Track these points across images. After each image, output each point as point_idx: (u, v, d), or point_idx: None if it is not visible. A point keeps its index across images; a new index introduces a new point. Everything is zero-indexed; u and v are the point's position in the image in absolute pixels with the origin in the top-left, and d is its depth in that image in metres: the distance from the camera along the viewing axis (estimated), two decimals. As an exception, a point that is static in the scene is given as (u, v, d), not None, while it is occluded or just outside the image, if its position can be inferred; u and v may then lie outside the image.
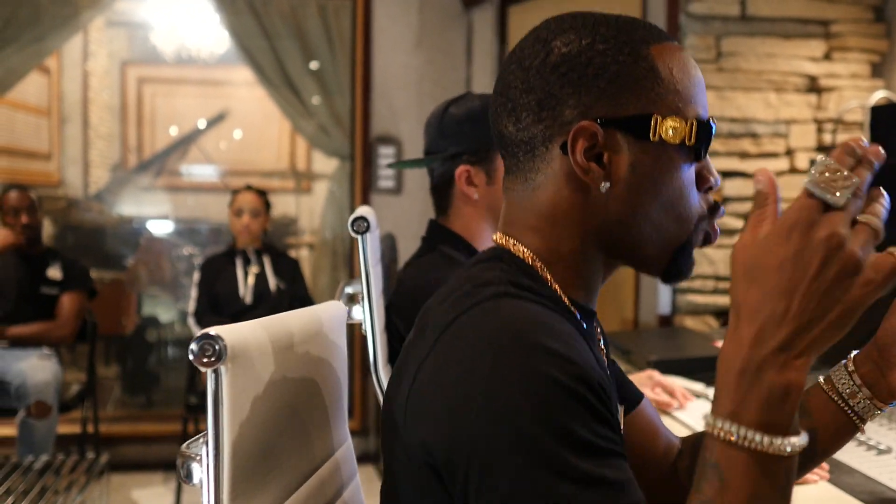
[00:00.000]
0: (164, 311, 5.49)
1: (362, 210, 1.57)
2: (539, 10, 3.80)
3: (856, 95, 3.06)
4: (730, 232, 3.06)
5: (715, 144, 2.99)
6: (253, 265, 3.78)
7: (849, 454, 1.39)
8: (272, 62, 4.40)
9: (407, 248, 2.06)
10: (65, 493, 2.71)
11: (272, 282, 3.78)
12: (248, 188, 3.85)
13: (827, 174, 0.61)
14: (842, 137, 3.06)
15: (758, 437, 0.60)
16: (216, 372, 0.76)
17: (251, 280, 3.76)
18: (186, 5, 5.28)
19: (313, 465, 0.96)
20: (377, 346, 1.58)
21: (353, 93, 4.38)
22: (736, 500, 0.61)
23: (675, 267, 0.83)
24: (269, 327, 0.87)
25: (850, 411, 0.91)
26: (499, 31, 4.06)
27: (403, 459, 0.75)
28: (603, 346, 0.93)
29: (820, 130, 3.11)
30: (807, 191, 0.61)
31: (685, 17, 3.05)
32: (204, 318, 3.64)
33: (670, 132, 0.78)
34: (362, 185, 4.36)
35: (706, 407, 0.86)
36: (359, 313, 1.57)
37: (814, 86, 3.10)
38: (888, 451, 1.39)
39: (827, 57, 3.10)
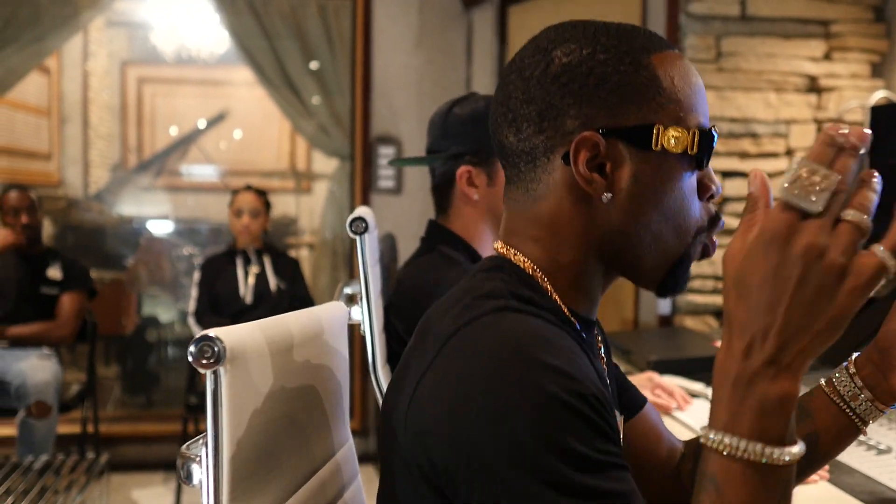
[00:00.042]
0: (164, 311, 5.49)
1: (360, 211, 1.57)
2: (539, 11, 3.80)
3: (856, 95, 3.05)
4: (730, 232, 3.06)
5: (714, 150, 2.98)
6: (253, 265, 3.78)
7: (849, 454, 1.39)
8: (272, 62, 4.40)
9: (407, 248, 2.06)
10: (65, 493, 2.71)
11: (272, 282, 3.78)
12: (248, 188, 3.85)
13: (802, 178, 0.59)
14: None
15: (753, 448, 0.60)
16: (215, 373, 0.76)
17: (251, 280, 3.76)
18: (186, 5, 5.28)
19: (313, 465, 0.96)
20: (376, 347, 1.58)
21: (353, 93, 4.38)
22: None
23: (671, 280, 0.83)
24: (268, 329, 0.87)
25: (851, 413, 0.91)
26: (499, 31, 4.06)
27: (401, 468, 0.75)
28: (603, 355, 0.93)
29: (820, 130, 3.10)
30: (783, 200, 0.59)
31: (685, 17, 3.05)
32: (204, 318, 3.64)
33: (672, 142, 0.77)
34: (362, 185, 4.36)
35: (706, 407, 0.86)
36: (357, 314, 1.57)
37: (814, 86, 3.10)
38: (888, 450, 1.39)
39: (827, 57, 3.10)
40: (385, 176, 4.34)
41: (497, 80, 3.99)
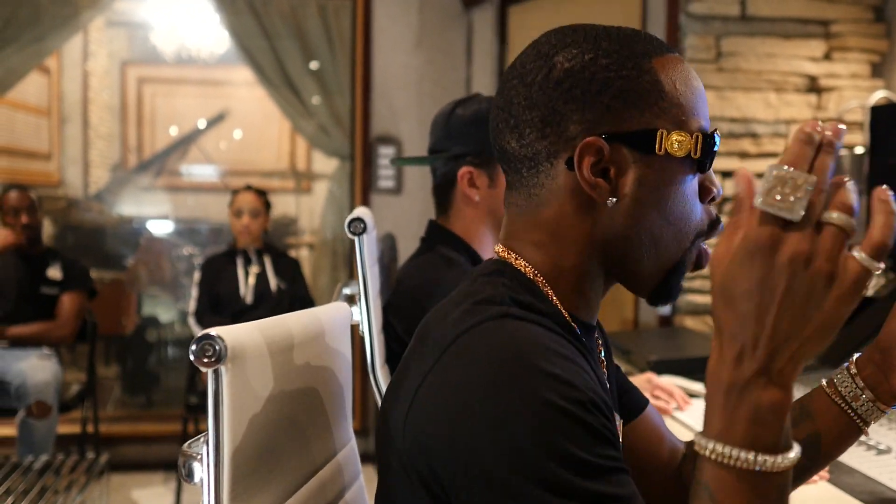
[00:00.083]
0: (164, 311, 5.49)
1: (359, 211, 1.57)
2: (539, 11, 3.80)
3: (856, 95, 3.06)
4: (730, 232, 3.06)
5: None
6: (254, 265, 3.79)
7: (848, 454, 1.39)
8: (272, 62, 4.40)
9: (407, 248, 2.06)
10: (65, 493, 2.71)
11: (273, 282, 3.78)
12: (248, 188, 3.85)
13: (779, 187, 0.58)
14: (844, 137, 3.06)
15: (746, 457, 0.59)
16: (216, 372, 0.76)
17: (252, 280, 3.76)
18: (186, 5, 5.28)
19: (315, 465, 0.96)
20: (374, 347, 1.58)
21: (353, 93, 4.38)
22: None
23: (665, 288, 0.83)
24: (269, 328, 0.87)
25: (853, 414, 0.91)
26: (499, 31, 4.06)
27: (399, 472, 0.75)
28: (604, 358, 0.93)
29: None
30: (761, 211, 0.58)
31: (685, 17, 3.05)
32: (204, 318, 3.64)
33: (676, 146, 0.78)
34: (362, 185, 4.36)
35: (706, 407, 0.86)
36: (356, 314, 1.57)
37: (814, 86, 3.10)
38: (888, 450, 1.39)
39: (827, 57, 3.10)
40: (385, 176, 4.34)
41: (497, 80, 3.99)
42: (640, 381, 1.82)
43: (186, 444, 0.78)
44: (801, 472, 0.96)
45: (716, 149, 0.81)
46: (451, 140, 1.67)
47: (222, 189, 5.61)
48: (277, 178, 6.04)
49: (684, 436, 1.10)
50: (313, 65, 4.45)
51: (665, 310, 3.10)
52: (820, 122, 0.60)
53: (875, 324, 0.94)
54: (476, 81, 4.26)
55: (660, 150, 0.78)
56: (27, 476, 2.74)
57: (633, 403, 1.03)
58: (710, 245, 0.83)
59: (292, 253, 4.90)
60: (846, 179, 0.59)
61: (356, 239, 1.55)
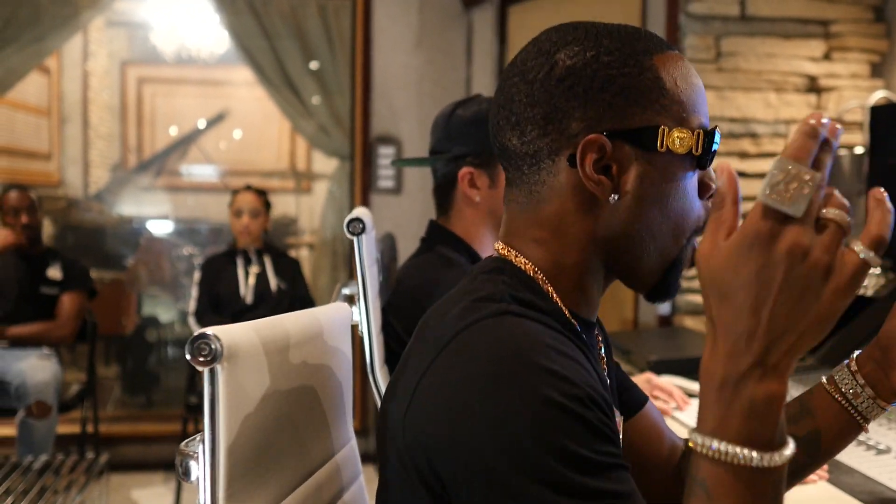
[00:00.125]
0: (164, 311, 5.49)
1: (358, 211, 1.57)
2: (539, 11, 3.80)
3: (855, 95, 3.05)
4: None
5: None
6: (254, 265, 3.79)
7: (848, 454, 1.39)
8: (272, 62, 4.40)
9: (407, 249, 2.06)
10: (64, 493, 2.71)
11: (273, 282, 3.78)
12: (248, 188, 3.85)
13: (783, 184, 0.58)
14: (841, 138, 3.06)
15: (741, 453, 0.59)
16: (212, 371, 0.76)
17: (252, 280, 3.76)
18: (186, 5, 5.28)
19: (312, 465, 0.96)
20: (374, 348, 1.58)
21: (352, 93, 4.38)
22: None
23: (663, 284, 0.84)
24: (266, 328, 0.87)
25: (853, 411, 0.91)
26: (499, 31, 4.06)
27: (399, 471, 0.75)
28: (604, 355, 0.93)
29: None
30: (762, 204, 0.58)
31: (685, 17, 3.05)
32: (205, 318, 3.65)
33: (677, 143, 0.78)
34: (362, 185, 4.36)
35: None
36: (355, 314, 1.57)
37: (813, 86, 3.10)
38: (887, 450, 1.39)
39: (827, 57, 3.10)
40: (385, 176, 4.34)
41: (497, 80, 3.99)
42: (640, 381, 1.82)
43: (183, 444, 0.78)
44: (801, 469, 0.96)
45: (716, 146, 0.81)
46: (451, 141, 1.67)
47: (222, 189, 5.61)
48: (277, 178, 6.04)
49: (684, 435, 1.10)
50: (313, 65, 4.45)
51: (665, 310, 3.10)
52: (823, 115, 0.60)
53: (875, 324, 0.94)
54: (476, 81, 4.26)
55: (661, 147, 0.78)
56: (27, 476, 2.74)
57: (633, 400, 1.03)
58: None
59: (292, 253, 4.90)
60: (835, 191, 0.60)
61: (355, 239, 1.55)
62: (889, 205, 0.59)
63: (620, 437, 0.89)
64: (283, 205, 5.77)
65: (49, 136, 5.80)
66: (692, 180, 0.81)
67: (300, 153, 6.16)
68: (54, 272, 3.59)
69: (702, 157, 0.80)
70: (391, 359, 1.66)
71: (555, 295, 0.81)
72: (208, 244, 5.50)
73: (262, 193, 3.84)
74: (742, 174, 3.07)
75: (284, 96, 4.46)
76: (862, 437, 1.46)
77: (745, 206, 3.07)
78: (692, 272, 3.12)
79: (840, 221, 0.58)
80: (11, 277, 3.52)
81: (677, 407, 1.75)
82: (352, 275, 4.47)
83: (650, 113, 0.78)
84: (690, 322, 3.04)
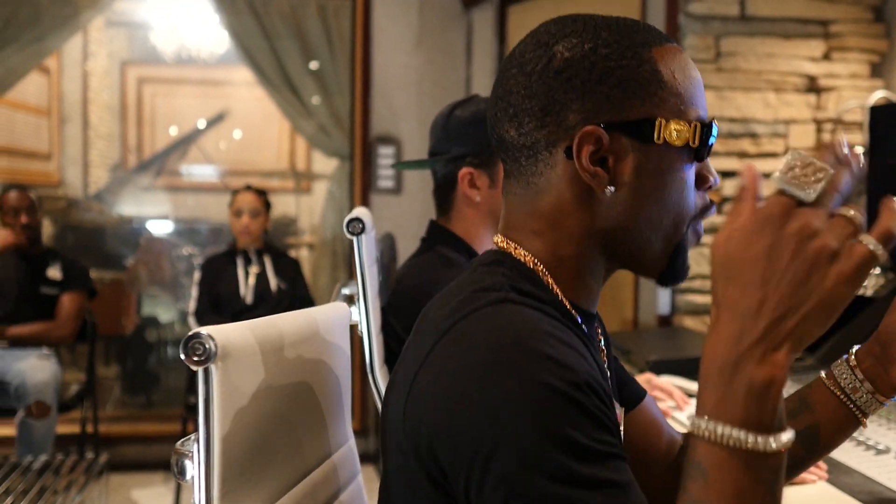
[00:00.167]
0: (163, 311, 5.49)
1: (358, 211, 1.57)
2: (539, 10, 3.80)
3: (855, 95, 3.05)
4: (729, 232, 3.05)
5: (714, 144, 2.98)
6: (254, 265, 3.78)
7: (847, 454, 1.39)
8: (272, 62, 4.40)
9: (406, 249, 2.06)
10: (64, 492, 2.71)
11: (273, 282, 3.78)
12: (248, 188, 3.85)
13: (797, 169, 0.61)
14: (841, 137, 3.06)
15: (739, 435, 0.60)
16: (206, 371, 0.76)
17: (252, 280, 3.76)
18: (186, 5, 5.28)
19: (308, 464, 0.96)
20: (373, 347, 1.58)
21: (352, 93, 4.38)
22: (720, 497, 0.60)
23: (671, 270, 0.84)
24: (261, 328, 0.87)
25: (852, 406, 0.92)
26: (498, 31, 4.06)
27: (400, 462, 0.76)
28: (604, 347, 0.93)
29: (819, 130, 3.11)
30: (778, 188, 0.61)
31: (684, 16, 3.05)
32: (205, 318, 3.64)
33: (674, 135, 0.78)
34: (362, 185, 4.36)
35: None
36: (355, 314, 1.57)
37: (813, 86, 3.10)
38: (887, 450, 1.39)
39: (826, 57, 3.09)
40: (385, 176, 4.34)
41: (497, 80, 3.99)
42: (640, 381, 1.82)
43: (179, 443, 0.79)
44: (799, 463, 0.96)
45: (713, 138, 0.82)
46: (450, 142, 1.67)
47: (222, 189, 5.61)
48: (277, 178, 6.05)
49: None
50: (313, 65, 4.45)
51: (664, 310, 3.10)
52: (844, 143, 0.63)
53: (875, 324, 0.94)
54: (476, 81, 4.26)
55: (658, 139, 0.78)
56: (26, 476, 2.74)
57: (632, 394, 1.03)
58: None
59: (292, 253, 4.90)
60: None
61: (355, 239, 1.55)
62: None
63: (622, 429, 0.89)
64: (282, 205, 5.77)
65: (49, 136, 5.80)
66: (690, 172, 0.81)
67: (300, 153, 6.16)
68: (54, 272, 3.59)
69: (699, 150, 0.80)
70: (391, 359, 1.66)
71: (555, 286, 0.81)
72: (208, 244, 5.50)
73: (262, 193, 3.84)
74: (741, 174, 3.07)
75: (284, 96, 4.46)
76: (861, 437, 1.46)
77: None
78: (692, 273, 3.12)
79: (853, 218, 0.60)
80: (11, 277, 3.52)
81: (677, 406, 1.75)
82: (351, 275, 4.47)
83: (648, 105, 0.78)
84: (690, 322, 3.04)
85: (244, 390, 0.81)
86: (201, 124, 6.16)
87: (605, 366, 0.91)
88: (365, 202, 4.32)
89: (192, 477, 0.77)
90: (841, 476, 1.30)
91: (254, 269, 3.77)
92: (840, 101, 3.07)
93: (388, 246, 2.18)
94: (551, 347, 0.69)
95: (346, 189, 4.50)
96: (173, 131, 6.18)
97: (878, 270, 2.20)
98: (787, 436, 0.60)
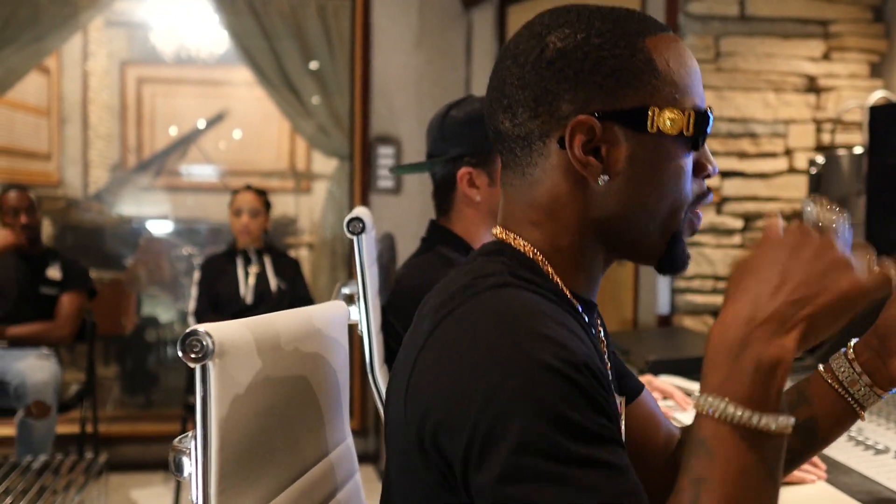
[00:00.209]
0: (163, 311, 5.49)
1: (358, 211, 1.57)
2: (538, 10, 3.80)
3: (855, 95, 3.05)
4: (728, 231, 3.06)
5: (714, 144, 2.99)
6: (253, 265, 3.78)
7: (846, 454, 1.39)
8: (271, 62, 4.40)
9: (406, 249, 2.06)
10: (63, 492, 2.71)
11: (273, 282, 3.78)
12: (248, 188, 3.85)
13: (817, 208, 0.69)
14: (841, 137, 3.06)
15: (743, 413, 0.61)
16: (204, 368, 0.77)
17: (252, 280, 3.76)
18: (186, 5, 5.28)
19: (306, 462, 0.96)
20: (373, 347, 1.58)
21: (352, 93, 4.38)
22: (725, 475, 0.61)
23: (668, 258, 0.84)
24: (259, 326, 0.87)
25: (850, 399, 0.92)
26: (498, 32, 4.06)
27: (403, 462, 0.76)
28: (604, 338, 0.93)
29: (819, 130, 3.11)
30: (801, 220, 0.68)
31: (684, 16, 3.05)
32: (204, 318, 3.64)
33: (668, 123, 0.78)
34: (362, 185, 4.36)
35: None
36: (355, 314, 1.57)
37: (813, 86, 3.10)
38: (885, 450, 1.39)
39: (826, 57, 3.09)
40: (384, 176, 4.34)
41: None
42: (639, 381, 1.82)
43: (177, 440, 0.79)
44: (797, 457, 0.96)
45: (709, 127, 0.82)
46: (447, 143, 1.67)
47: (222, 189, 5.61)
48: (277, 178, 6.04)
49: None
50: (313, 65, 4.45)
51: (664, 310, 3.10)
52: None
53: (873, 321, 0.95)
54: (475, 81, 4.27)
55: (652, 128, 0.78)
56: (26, 476, 2.74)
57: (630, 388, 1.03)
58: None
59: (292, 253, 4.90)
60: None
61: (355, 238, 1.55)
62: None
63: (623, 419, 0.89)
64: (282, 205, 5.77)
65: (49, 136, 5.80)
66: (686, 162, 0.81)
67: (300, 153, 6.16)
68: (54, 272, 3.59)
69: (694, 138, 0.80)
70: (391, 358, 1.66)
71: (555, 276, 0.81)
72: (208, 244, 5.50)
73: (261, 193, 3.84)
74: (741, 174, 3.07)
75: (284, 96, 4.46)
76: (860, 436, 1.46)
77: (746, 206, 3.07)
78: (691, 273, 3.13)
79: (867, 250, 0.67)
80: (11, 277, 3.52)
81: (678, 407, 1.75)
82: (351, 274, 4.47)
83: (641, 94, 0.78)
84: (689, 322, 3.04)
85: (242, 387, 0.81)
86: (201, 124, 6.16)
87: (605, 357, 0.91)
88: (365, 202, 4.32)
89: (190, 474, 0.77)
90: (840, 476, 1.30)
91: (253, 269, 3.77)
92: (839, 101, 3.07)
93: (387, 246, 2.18)
94: (549, 328, 0.69)
95: (346, 189, 4.50)
96: (173, 131, 6.18)
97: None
98: (789, 420, 0.62)
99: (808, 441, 0.94)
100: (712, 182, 3.02)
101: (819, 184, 2.80)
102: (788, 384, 0.66)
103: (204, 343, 0.76)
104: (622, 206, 0.80)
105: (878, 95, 2.81)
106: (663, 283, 3.07)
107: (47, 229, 5.16)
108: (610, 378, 0.74)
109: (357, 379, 4.23)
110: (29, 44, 4.22)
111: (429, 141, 1.73)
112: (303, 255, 5.58)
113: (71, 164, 5.89)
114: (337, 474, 1.04)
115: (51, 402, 3.22)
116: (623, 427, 0.88)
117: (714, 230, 3.04)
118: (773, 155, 3.09)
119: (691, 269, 3.01)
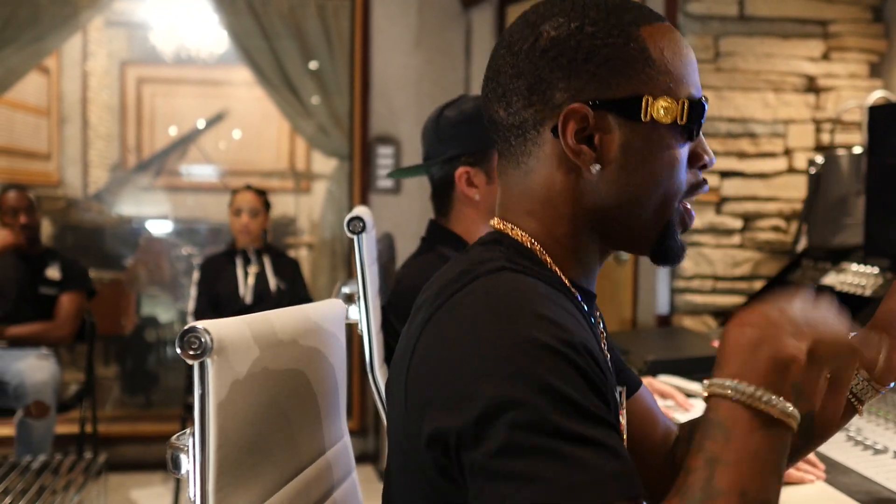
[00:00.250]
0: (163, 311, 5.49)
1: (358, 210, 1.57)
2: (538, 10, 3.80)
3: (854, 95, 3.05)
4: (728, 231, 3.06)
5: (713, 144, 2.98)
6: (253, 265, 3.78)
7: (845, 454, 1.39)
8: (271, 62, 4.40)
9: (405, 248, 2.06)
10: (62, 492, 2.71)
11: (272, 282, 3.78)
12: (248, 188, 3.85)
13: None
14: (840, 137, 3.06)
15: (763, 394, 0.62)
16: (202, 365, 0.77)
17: (251, 280, 3.76)
18: (186, 5, 5.28)
19: (303, 460, 0.96)
20: (373, 346, 1.58)
21: (351, 93, 4.38)
22: (739, 455, 0.62)
23: (661, 248, 0.84)
24: (257, 323, 0.88)
25: (848, 393, 0.91)
26: (497, 31, 4.06)
27: (403, 461, 0.76)
28: (603, 330, 0.93)
29: (818, 130, 3.11)
30: None
31: (683, 16, 3.05)
32: (204, 318, 3.61)
33: (661, 112, 0.78)
34: (361, 184, 4.36)
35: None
36: (355, 313, 1.57)
37: (812, 86, 3.10)
38: (884, 450, 1.39)
39: (825, 57, 3.10)
40: (384, 176, 4.34)
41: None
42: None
43: (175, 437, 0.79)
44: (795, 452, 0.96)
45: (704, 117, 0.81)
46: (443, 144, 1.67)
47: (222, 189, 5.61)
48: (277, 178, 6.05)
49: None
50: (312, 65, 4.45)
51: (663, 310, 3.10)
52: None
53: (869, 318, 0.95)
54: (475, 81, 4.26)
55: (645, 116, 0.78)
56: (25, 476, 2.74)
57: (628, 383, 1.02)
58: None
59: (291, 253, 4.91)
60: None
61: (355, 238, 1.55)
62: None
63: (623, 409, 0.89)
64: (282, 205, 5.77)
65: (48, 136, 5.80)
66: (681, 151, 0.81)
67: (299, 153, 6.16)
68: (53, 272, 3.59)
69: (688, 128, 0.80)
70: (391, 358, 1.66)
71: (553, 265, 0.82)
72: (207, 244, 5.50)
73: (261, 193, 3.84)
74: (740, 174, 3.07)
75: (283, 96, 4.46)
76: (859, 436, 1.46)
77: (746, 206, 3.07)
78: (690, 273, 3.13)
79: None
80: (10, 278, 3.52)
81: (680, 407, 1.75)
82: (350, 274, 4.47)
83: (635, 83, 0.78)
84: (689, 322, 3.04)
85: (240, 384, 0.81)
86: (201, 124, 6.16)
87: (604, 347, 0.91)
88: (364, 202, 4.32)
89: (187, 471, 0.77)
90: (839, 476, 1.30)
91: (253, 269, 3.77)
92: (839, 100, 3.07)
93: (386, 246, 2.18)
94: (547, 309, 0.70)
95: (346, 189, 4.50)
96: (173, 131, 6.18)
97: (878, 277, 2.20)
98: (797, 414, 0.64)
99: (806, 436, 0.94)
100: (712, 182, 3.02)
101: (818, 184, 2.80)
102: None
103: (202, 340, 0.76)
104: (615, 195, 0.80)
105: (877, 95, 2.81)
106: (663, 283, 3.07)
107: (47, 229, 5.16)
108: (609, 365, 0.74)
109: (356, 378, 4.23)
110: (29, 44, 4.22)
111: (424, 144, 1.73)
112: (302, 254, 5.58)
113: (71, 164, 5.89)
114: (334, 473, 1.04)
115: (50, 402, 3.22)
116: (624, 419, 0.88)
117: (713, 230, 3.04)
118: (772, 155, 3.09)
119: (691, 269, 3.01)
